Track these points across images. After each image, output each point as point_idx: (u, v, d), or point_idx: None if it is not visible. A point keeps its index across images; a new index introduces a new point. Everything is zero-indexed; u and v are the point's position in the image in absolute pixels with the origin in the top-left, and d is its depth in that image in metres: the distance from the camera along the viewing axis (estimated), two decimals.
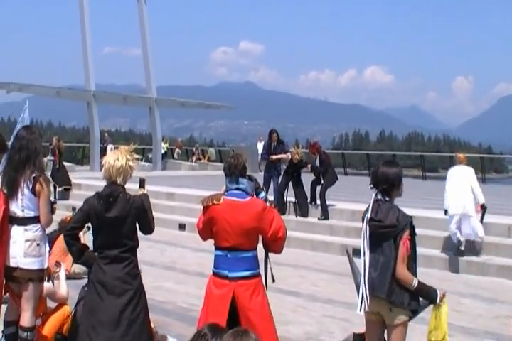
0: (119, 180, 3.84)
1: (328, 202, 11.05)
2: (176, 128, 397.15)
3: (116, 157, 3.85)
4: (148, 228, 3.93)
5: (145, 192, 4.10)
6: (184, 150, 33.09)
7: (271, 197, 10.90)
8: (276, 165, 11.64)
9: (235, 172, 3.80)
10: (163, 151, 27.62)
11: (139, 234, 3.92)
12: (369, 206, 3.46)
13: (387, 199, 3.46)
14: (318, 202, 11.14)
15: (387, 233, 3.35)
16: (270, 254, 3.94)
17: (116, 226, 3.77)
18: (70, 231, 3.85)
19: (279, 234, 3.74)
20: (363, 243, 3.40)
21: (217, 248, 3.80)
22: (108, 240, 3.78)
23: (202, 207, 3.84)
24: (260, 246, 3.85)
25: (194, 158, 29.30)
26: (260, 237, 3.80)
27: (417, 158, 25.97)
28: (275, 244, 3.80)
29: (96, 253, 3.85)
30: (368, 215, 3.42)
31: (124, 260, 3.78)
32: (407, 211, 3.53)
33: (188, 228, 11.46)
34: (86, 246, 3.93)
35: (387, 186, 3.45)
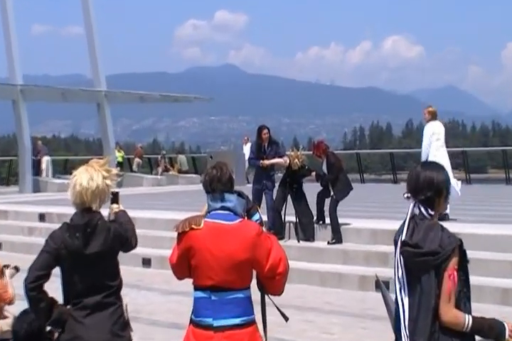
0: (94, 206, 3.91)
1: (340, 220, 11.07)
2: (134, 131, 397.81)
3: (89, 176, 3.90)
4: (129, 247, 4.07)
5: (120, 208, 4.21)
6: (146, 160, 33.09)
7: (264, 218, 10.91)
8: (269, 174, 11.65)
9: (218, 186, 3.81)
10: (117, 162, 27.57)
11: None
12: (404, 224, 3.43)
13: (430, 213, 3.43)
14: (328, 220, 11.17)
15: (427, 262, 3.29)
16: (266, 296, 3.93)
17: (97, 264, 3.83)
18: (34, 283, 3.78)
19: (279, 268, 3.74)
20: (396, 275, 3.37)
21: (197, 288, 3.80)
22: (87, 284, 3.82)
23: (176, 235, 3.85)
24: (254, 283, 3.85)
25: (160, 170, 29.31)
26: (254, 273, 3.81)
27: (457, 156, 26.11)
28: (273, 282, 3.80)
29: (69, 306, 3.87)
30: (402, 237, 3.39)
31: (108, 306, 3.84)
32: (449, 227, 3.49)
33: (156, 263, 11.44)
34: (54, 300, 3.92)
35: (431, 195, 3.42)
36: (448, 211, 11.19)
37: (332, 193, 11.09)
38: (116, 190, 4.30)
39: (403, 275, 3.32)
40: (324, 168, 11.21)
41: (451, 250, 3.27)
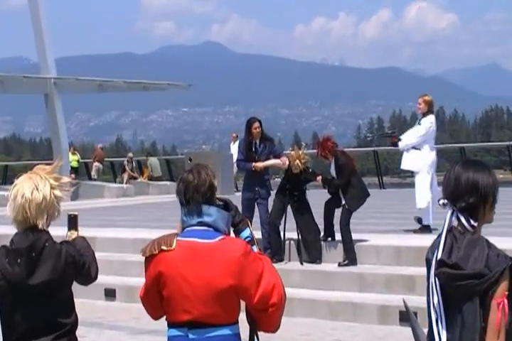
0: (41, 223, 3.91)
1: (354, 237, 11.10)
2: (93, 128, 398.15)
3: (33, 185, 3.91)
4: (88, 278, 4.09)
5: (79, 235, 4.21)
6: (108, 164, 33.10)
7: (257, 235, 10.93)
8: (263, 179, 11.68)
9: (195, 197, 3.82)
10: (71, 167, 27.57)
11: None
12: (439, 238, 3.43)
13: (473, 224, 3.41)
14: (338, 236, 11.20)
15: (470, 287, 3.28)
16: (260, 333, 3.94)
17: (45, 298, 3.83)
18: None
19: (273, 298, 3.74)
20: (430, 303, 3.37)
21: (171, 324, 3.82)
22: (33, 324, 3.84)
23: (144, 260, 3.87)
24: (243, 317, 3.85)
25: (126, 177, 29.30)
26: (243, 303, 3.82)
27: (501, 152, 26.16)
28: (266, 315, 3.80)
29: None
30: (438, 255, 3.39)
31: None
32: (496, 243, 3.43)
33: (121, 295, 11.40)
34: None
35: (475, 201, 3.42)
36: (431, 222, 12.03)
37: (343, 202, 11.12)
38: (75, 212, 4.29)
39: (439, 303, 3.32)
40: (333, 170, 11.23)
41: (500, 272, 3.25)
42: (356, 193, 11.11)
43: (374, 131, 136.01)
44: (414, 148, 12.24)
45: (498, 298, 3.25)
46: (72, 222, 4.25)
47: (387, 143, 12.65)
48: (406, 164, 12.42)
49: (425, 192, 12.06)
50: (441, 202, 3.44)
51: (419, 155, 12.19)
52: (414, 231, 12.04)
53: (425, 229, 11.98)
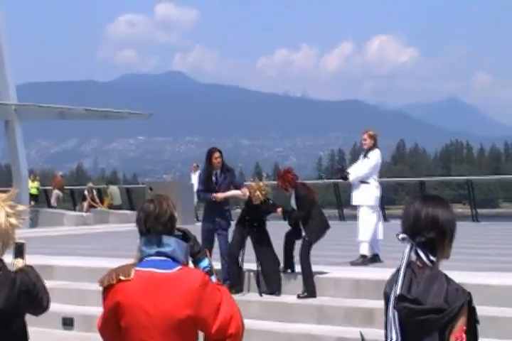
0: None
1: (314, 269, 11.09)
2: (53, 155, 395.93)
3: None
4: (40, 307, 4.09)
5: (25, 263, 4.18)
6: (68, 192, 32.88)
7: (217, 265, 10.88)
8: (224, 210, 11.67)
9: (156, 227, 3.82)
10: (30, 195, 27.40)
11: None
12: (398, 273, 3.44)
13: (431, 258, 3.43)
14: (298, 268, 11.17)
15: (430, 322, 3.30)
16: None
17: None
18: None
19: (231, 329, 3.74)
20: (388, 337, 3.36)
21: None
22: None
23: (102, 290, 3.84)
24: None
25: (85, 205, 29.18)
26: (201, 335, 3.80)
27: (460, 186, 26.44)
28: None
29: None
30: (396, 290, 3.40)
31: None
32: (455, 277, 3.47)
33: (80, 324, 11.32)
34: None
35: (434, 236, 3.43)
36: (379, 251, 12.56)
37: (304, 234, 11.12)
38: (22, 240, 4.26)
39: (398, 338, 3.31)
40: (293, 202, 11.25)
41: (459, 307, 3.27)
42: (316, 225, 11.12)
43: (327, 169, 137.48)
44: (362, 182, 12.50)
45: (456, 332, 3.27)
46: (19, 250, 4.22)
47: (338, 177, 12.99)
48: (357, 199, 12.71)
49: (370, 225, 12.40)
50: (401, 236, 3.45)
51: (367, 188, 12.49)
52: (354, 263, 12.42)
53: (368, 258, 12.51)
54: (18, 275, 3.93)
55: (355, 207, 12.97)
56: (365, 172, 12.51)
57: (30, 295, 3.93)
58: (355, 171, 12.66)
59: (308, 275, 11.00)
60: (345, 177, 12.76)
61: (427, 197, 3.55)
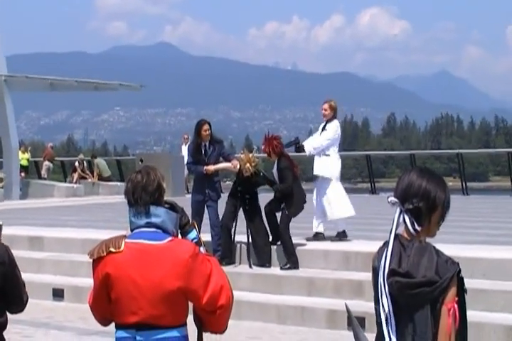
0: None
1: (303, 241, 11.16)
2: (43, 127, 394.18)
3: None
4: (19, 301, 4.21)
5: (1, 241, 4.21)
6: (58, 164, 32.81)
7: (206, 237, 10.92)
8: (213, 181, 11.70)
9: (143, 197, 3.82)
10: (20, 166, 27.33)
11: None
12: (386, 246, 3.42)
13: (416, 228, 3.39)
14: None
15: (422, 295, 3.29)
16: (207, 334, 3.95)
17: None
18: None
19: (221, 300, 3.76)
20: (379, 311, 3.36)
21: (119, 326, 3.81)
22: None
23: (92, 262, 3.85)
24: (191, 319, 3.86)
25: (75, 176, 29.15)
26: (191, 305, 3.81)
27: (451, 159, 26.45)
28: (214, 316, 3.81)
29: None
30: (385, 264, 3.38)
31: None
32: (444, 249, 3.45)
33: (70, 295, 11.33)
34: None
35: (422, 206, 3.42)
36: (344, 227, 12.13)
37: (282, 206, 11.16)
38: None
39: (389, 311, 3.31)
40: (275, 171, 11.33)
41: (449, 278, 3.28)
42: (297, 199, 11.15)
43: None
44: (323, 154, 12.14)
45: (448, 303, 3.28)
46: None
47: (293, 150, 12.51)
48: (318, 169, 12.17)
49: (343, 199, 12.14)
50: (390, 199, 3.43)
51: (327, 160, 12.13)
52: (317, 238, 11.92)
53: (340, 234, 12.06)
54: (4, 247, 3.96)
55: (347, 180, 12.79)
56: (321, 143, 12.08)
57: (4, 270, 4.00)
58: (311, 142, 12.25)
59: (289, 247, 11.06)
60: (300, 149, 12.22)
61: (426, 170, 3.52)
